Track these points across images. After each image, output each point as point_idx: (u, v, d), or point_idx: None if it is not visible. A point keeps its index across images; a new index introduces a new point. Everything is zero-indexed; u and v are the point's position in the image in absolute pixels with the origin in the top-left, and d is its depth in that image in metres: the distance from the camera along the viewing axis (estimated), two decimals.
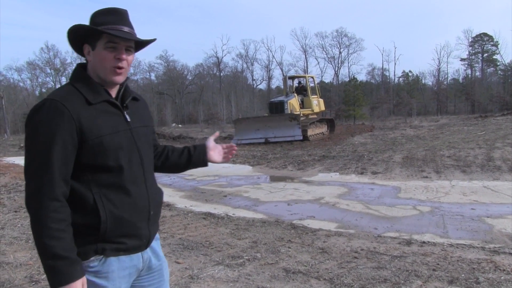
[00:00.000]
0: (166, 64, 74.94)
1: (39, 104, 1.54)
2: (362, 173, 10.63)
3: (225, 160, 2.11)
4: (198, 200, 8.25)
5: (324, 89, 53.88)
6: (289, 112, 20.92)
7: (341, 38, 70.44)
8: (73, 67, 1.74)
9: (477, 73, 70.35)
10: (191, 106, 74.26)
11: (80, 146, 1.55)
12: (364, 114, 51.64)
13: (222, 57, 73.72)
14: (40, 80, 71.18)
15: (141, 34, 1.72)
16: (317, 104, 24.50)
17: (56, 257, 1.44)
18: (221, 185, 9.92)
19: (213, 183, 10.16)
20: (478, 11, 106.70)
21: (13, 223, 6.25)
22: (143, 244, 1.71)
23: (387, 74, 73.74)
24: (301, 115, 20.91)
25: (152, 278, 1.82)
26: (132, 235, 1.65)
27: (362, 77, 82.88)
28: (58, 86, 66.39)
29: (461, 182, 8.89)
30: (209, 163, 2.09)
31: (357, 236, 5.25)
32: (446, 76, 72.63)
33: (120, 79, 1.66)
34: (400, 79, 74.95)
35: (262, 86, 77.97)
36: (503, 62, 67.81)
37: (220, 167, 11.69)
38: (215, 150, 2.08)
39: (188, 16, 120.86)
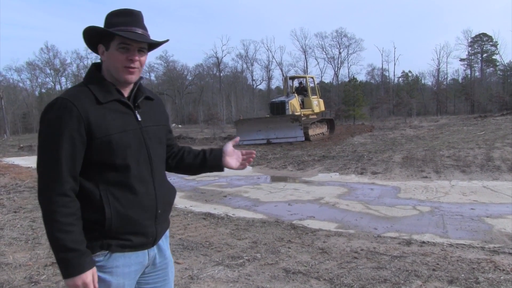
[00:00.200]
0: (166, 64, 75.00)
1: (51, 102, 1.60)
2: (362, 173, 10.63)
3: (242, 167, 2.05)
4: (198, 200, 8.25)
5: (323, 89, 53.89)
6: (290, 112, 20.96)
7: (341, 39, 70.49)
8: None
9: (477, 73, 70.38)
10: (191, 107, 74.28)
11: (89, 144, 1.59)
12: (364, 114, 51.64)
13: (222, 58, 73.80)
14: (39, 80, 71.22)
15: None
16: (317, 104, 24.55)
17: (66, 249, 1.51)
18: (221, 186, 9.93)
19: (213, 184, 10.16)
20: (477, 12, 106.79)
21: (13, 224, 6.24)
22: (149, 242, 1.74)
23: (387, 74, 73.87)
24: (302, 115, 20.95)
25: (156, 276, 1.84)
26: (137, 232, 1.68)
27: (361, 77, 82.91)
28: (57, 86, 66.51)
29: (460, 182, 8.89)
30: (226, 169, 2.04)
31: (357, 236, 5.25)
32: (445, 76, 72.77)
33: (132, 78, 1.69)
34: (400, 79, 75.03)
35: (262, 86, 78.06)
36: (503, 62, 67.89)
37: None
38: (232, 156, 2.03)
39: (188, 16, 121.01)
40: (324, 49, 72.12)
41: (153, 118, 1.80)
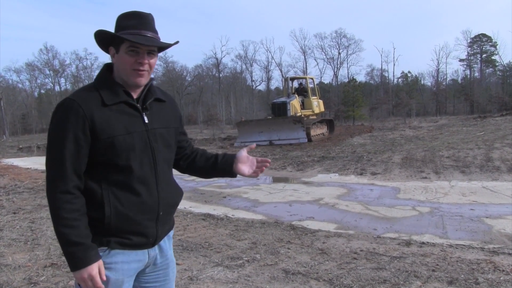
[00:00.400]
0: (165, 65, 74.89)
1: (59, 102, 1.66)
2: (361, 174, 10.63)
3: (254, 175, 2.00)
4: (197, 201, 8.25)
5: (323, 90, 53.85)
6: (291, 113, 21.12)
7: (340, 39, 70.38)
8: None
9: (476, 74, 70.38)
10: (190, 107, 74.24)
11: (93, 144, 1.63)
12: (363, 115, 51.65)
13: (221, 58, 73.62)
14: (39, 81, 71.10)
15: None
16: (317, 105, 24.72)
17: (72, 243, 1.57)
18: (220, 186, 9.93)
19: (212, 184, 10.16)
20: (477, 12, 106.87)
21: (12, 225, 6.23)
22: (149, 242, 1.76)
23: (386, 75, 73.79)
24: (303, 116, 21.04)
25: (156, 275, 1.86)
26: (137, 232, 1.71)
27: (361, 78, 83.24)
28: (57, 87, 66.62)
29: (460, 182, 8.90)
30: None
31: (356, 237, 5.25)
32: (445, 77, 72.75)
33: (142, 81, 1.72)
34: (399, 79, 74.99)
35: (261, 87, 77.90)
36: (502, 63, 67.87)
37: None
38: (246, 163, 2.00)
39: (187, 17, 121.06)
40: (324, 50, 72.08)
41: (161, 120, 1.81)
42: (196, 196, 8.73)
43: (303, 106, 23.24)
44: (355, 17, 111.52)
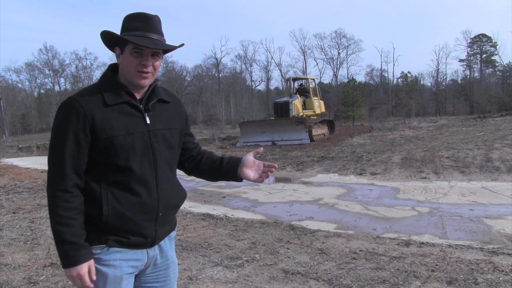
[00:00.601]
0: (164, 65, 74.83)
1: (62, 102, 1.69)
2: (361, 174, 10.64)
3: (260, 179, 1.95)
4: (197, 201, 8.25)
5: (323, 90, 53.72)
6: (293, 113, 21.27)
7: (340, 39, 70.39)
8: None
9: (476, 74, 70.42)
10: (190, 107, 74.16)
11: (93, 144, 1.64)
12: (363, 115, 51.69)
13: (221, 58, 73.62)
14: (38, 81, 71.05)
15: None
16: (318, 105, 24.95)
17: (65, 241, 1.59)
18: (220, 186, 9.92)
19: (212, 184, 10.15)
20: (476, 12, 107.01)
21: (12, 225, 6.23)
22: (147, 242, 1.76)
23: (386, 75, 73.84)
24: (305, 117, 21.15)
25: (157, 276, 1.86)
26: (135, 232, 1.71)
27: (361, 78, 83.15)
28: (56, 87, 66.66)
29: (459, 183, 8.90)
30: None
31: (356, 237, 5.26)
32: (444, 77, 72.81)
33: (145, 83, 1.72)
34: (399, 80, 75.06)
35: (261, 87, 77.89)
36: (502, 63, 67.91)
37: None
38: (252, 167, 1.96)
39: (187, 17, 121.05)
40: (323, 50, 72.10)
41: (164, 121, 1.81)
42: (195, 196, 8.73)
43: (304, 107, 23.37)
44: (354, 17, 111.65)
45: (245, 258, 4.47)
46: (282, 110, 21.58)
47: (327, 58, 71.74)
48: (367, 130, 26.64)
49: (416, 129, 24.67)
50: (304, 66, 71.25)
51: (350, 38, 70.38)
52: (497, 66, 69.19)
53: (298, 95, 23.14)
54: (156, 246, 1.82)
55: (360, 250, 4.65)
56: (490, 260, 4.17)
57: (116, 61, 1.78)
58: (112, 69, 1.77)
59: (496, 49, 67.15)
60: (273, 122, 20.99)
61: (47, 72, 68.25)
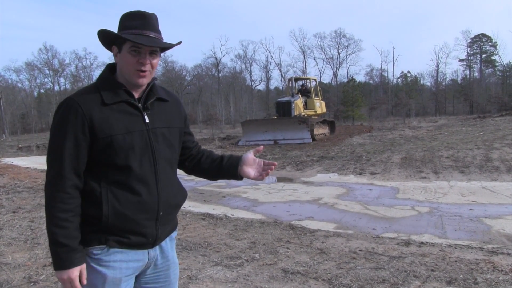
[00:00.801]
0: (164, 65, 74.84)
1: (61, 102, 1.68)
2: (360, 174, 10.64)
3: (261, 178, 1.95)
4: (196, 200, 8.25)
5: (322, 90, 53.89)
6: (295, 112, 21.49)
7: (340, 39, 70.46)
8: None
9: (476, 74, 70.45)
10: (189, 107, 74.13)
11: (92, 143, 1.63)
12: (362, 115, 51.67)
13: (221, 58, 73.58)
14: (38, 81, 71.07)
15: None
16: (319, 106, 25.18)
17: (57, 243, 1.58)
18: (219, 186, 9.93)
19: (211, 184, 10.15)
20: (476, 12, 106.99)
21: (12, 224, 6.24)
22: (148, 242, 1.75)
23: (386, 75, 73.90)
24: (306, 116, 21.33)
25: (157, 277, 1.84)
26: (136, 232, 1.69)
27: (360, 77, 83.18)
28: (56, 87, 66.61)
29: (459, 182, 8.91)
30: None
31: (355, 237, 5.26)
32: (444, 77, 72.89)
33: (143, 81, 1.71)
34: (399, 79, 75.13)
35: (261, 87, 77.96)
36: (502, 63, 67.98)
37: None
38: (252, 165, 1.95)
39: (187, 17, 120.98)
40: (323, 50, 72.19)
41: (164, 120, 1.80)
42: (195, 196, 8.73)
43: (306, 106, 23.57)
44: (354, 17, 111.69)
45: (245, 258, 4.47)
46: (284, 109, 21.77)
47: (327, 58, 71.87)
48: (367, 130, 26.66)
49: (415, 129, 24.68)
50: (304, 66, 71.36)
51: (350, 38, 70.54)
52: (497, 66, 69.28)
53: (300, 95, 23.30)
54: (157, 247, 1.80)
55: (360, 250, 4.66)
56: (489, 259, 4.17)
57: (113, 61, 1.77)
58: (110, 68, 1.76)
59: (496, 49, 67.25)
60: (275, 121, 21.11)
61: (47, 71, 68.34)
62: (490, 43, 67.61)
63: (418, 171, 10.23)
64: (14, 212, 7.13)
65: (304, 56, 72.24)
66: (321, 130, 22.65)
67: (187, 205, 7.58)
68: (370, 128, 28.39)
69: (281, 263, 4.28)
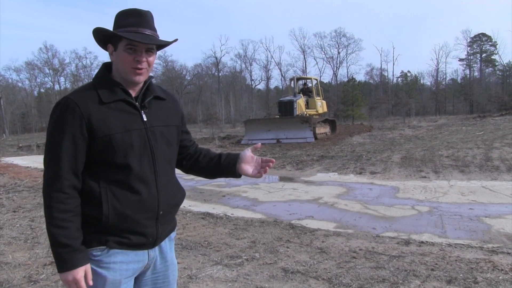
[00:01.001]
0: (164, 64, 74.81)
1: (57, 101, 1.65)
2: (360, 173, 10.64)
3: (259, 175, 1.93)
4: (196, 200, 8.25)
5: (323, 89, 53.87)
6: (297, 111, 21.67)
7: (340, 38, 70.46)
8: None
9: (476, 73, 70.45)
10: (189, 106, 74.20)
11: (90, 143, 1.61)
12: (362, 114, 51.60)
13: (221, 57, 73.49)
14: (38, 80, 71.00)
15: None
16: (321, 105, 25.42)
17: (59, 244, 1.55)
18: (219, 185, 9.93)
19: (211, 183, 10.16)
20: (476, 12, 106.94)
21: (12, 223, 6.24)
22: (149, 242, 1.73)
23: (386, 74, 73.88)
24: (308, 115, 21.54)
25: (155, 277, 1.83)
26: (136, 232, 1.67)
27: (360, 77, 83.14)
28: (56, 86, 66.54)
29: (459, 182, 8.91)
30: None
31: (355, 236, 5.26)
32: (444, 76, 72.86)
33: (140, 79, 1.70)
34: (399, 79, 75.08)
35: (261, 86, 77.99)
36: (502, 62, 67.92)
37: None
38: (250, 163, 1.95)
39: (187, 17, 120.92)
40: (323, 49, 72.20)
41: (161, 118, 1.79)
42: (195, 195, 8.74)
43: (307, 106, 23.78)
44: (354, 17, 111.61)
45: (245, 257, 4.47)
46: (286, 108, 21.97)
47: (327, 57, 71.88)
48: (367, 129, 26.69)
49: (415, 129, 24.69)
50: (304, 65, 71.36)
51: (350, 37, 70.54)
52: (497, 65, 69.24)
53: (302, 95, 23.49)
54: (157, 247, 1.78)
55: (360, 249, 4.66)
56: (489, 259, 4.17)
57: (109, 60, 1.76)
58: (106, 67, 1.75)
59: (496, 49, 67.22)
60: (278, 120, 21.28)
61: (47, 71, 68.30)
62: (490, 43, 67.59)
63: (418, 171, 10.23)
64: (14, 212, 7.13)
65: (304, 56, 72.29)
66: (323, 130, 22.77)
67: (187, 205, 7.58)
68: (370, 128, 28.41)
69: (281, 263, 4.28)
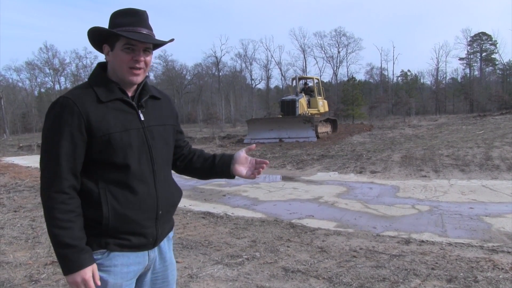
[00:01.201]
0: (165, 64, 74.96)
1: (54, 101, 1.62)
2: (361, 172, 10.64)
3: (253, 176, 1.94)
4: (197, 199, 8.26)
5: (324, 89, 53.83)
6: (300, 111, 21.84)
7: (340, 38, 70.45)
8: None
9: (476, 73, 70.41)
10: (190, 106, 74.22)
11: (89, 142, 1.59)
12: (362, 114, 51.55)
13: (221, 57, 73.60)
14: (39, 80, 71.16)
15: None
16: (322, 104, 25.66)
17: (64, 245, 1.51)
18: (220, 184, 9.93)
19: (212, 183, 10.16)
20: (476, 11, 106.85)
21: (13, 223, 6.25)
22: (149, 243, 1.72)
23: (386, 73, 73.76)
24: (310, 115, 21.73)
25: (155, 278, 1.82)
26: (136, 233, 1.66)
27: (360, 76, 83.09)
28: (57, 86, 66.55)
29: (459, 181, 8.91)
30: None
31: (356, 235, 5.27)
32: (444, 76, 72.81)
33: (137, 79, 1.69)
34: (399, 78, 75.00)
35: (261, 85, 78.00)
36: (502, 61, 67.84)
37: None
38: (244, 164, 1.94)
39: (187, 16, 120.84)
40: (323, 48, 72.22)
41: (158, 117, 1.78)
42: (195, 194, 8.74)
43: (309, 105, 23.93)
44: (354, 16, 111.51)
45: (246, 256, 4.48)
46: (288, 107, 22.13)
47: (327, 57, 71.89)
48: (367, 129, 26.68)
49: (416, 128, 24.68)
50: (304, 65, 71.38)
51: (350, 37, 70.53)
52: (497, 64, 69.18)
53: (304, 94, 23.53)
54: (156, 248, 1.77)
55: (360, 248, 4.67)
56: (490, 258, 4.18)
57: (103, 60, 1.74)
58: (101, 67, 1.73)
59: (496, 48, 67.17)
60: (280, 119, 21.40)
61: (48, 71, 68.42)
62: (490, 42, 67.54)
63: (419, 170, 10.23)
64: (15, 211, 7.14)
65: (304, 55, 72.31)
66: (324, 129, 22.88)
67: (188, 204, 7.59)
68: (370, 127, 28.39)
69: (281, 262, 4.29)
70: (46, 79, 70.44)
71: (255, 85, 76.81)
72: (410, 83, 69.73)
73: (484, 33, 67.82)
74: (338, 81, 69.83)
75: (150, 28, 1.69)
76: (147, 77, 1.78)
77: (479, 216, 6.02)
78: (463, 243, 4.75)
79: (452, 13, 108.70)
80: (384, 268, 4.00)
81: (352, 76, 62.01)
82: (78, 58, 69.03)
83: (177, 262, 4.26)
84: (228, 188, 9.49)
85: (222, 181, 10.37)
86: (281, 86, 72.22)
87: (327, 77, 73.45)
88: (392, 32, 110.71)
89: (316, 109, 24.35)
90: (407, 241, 4.89)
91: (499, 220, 5.78)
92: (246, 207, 7.45)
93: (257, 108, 61.81)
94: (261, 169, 1.93)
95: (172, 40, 1.78)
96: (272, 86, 78.07)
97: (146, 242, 1.71)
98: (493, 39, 67.13)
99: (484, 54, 68.82)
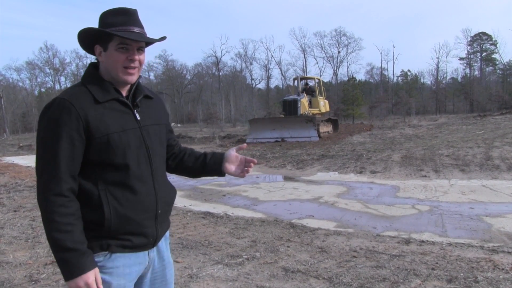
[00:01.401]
0: (165, 63, 75.02)
1: (49, 102, 1.58)
2: (361, 172, 10.64)
3: (242, 174, 1.95)
4: (197, 199, 8.25)
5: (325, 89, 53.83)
6: (301, 110, 22.00)
7: (340, 38, 70.51)
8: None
9: (476, 72, 70.44)
10: (190, 106, 74.27)
11: (88, 143, 1.57)
12: (363, 114, 51.56)
13: (221, 57, 73.68)
14: (39, 79, 71.22)
15: None
16: (323, 104, 25.78)
17: (66, 249, 1.48)
18: (220, 184, 9.93)
19: (212, 182, 10.16)
20: (477, 10, 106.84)
21: (13, 223, 6.25)
22: (149, 242, 1.72)
23: (386, 73, 73.79)
24: (312, 115, 21.93)
25: (154, 278, 1.82)
26: (137, 233, 1.66)
27: (361, 76, 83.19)
28: (57, 85, 66.53)
29: (460, 181, 8.91)
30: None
31: (356, 235, 5.26)
32: (444, 75, 72.89)
33: (132, 78, 1.68)
34: (399, 78, 75.07)
35: (261, 85, 78.03)
36: (502, 61, 67.92)
37: None
38: (234, 162, 1.96)
39: (187, 16, 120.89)
40: (323, 48, 72.29)
41: (153, 117, 1.78)
42: (195, 194, 8.74)
43: (310, 105, 24.05)
44: (355, 16, 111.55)
45: (246, 256, 4.47)
46: (290, 107, 22.27)
47: (327, 57, 71.94)
48: (367, 129, 26.72)
49: (416, 128, 24.69)
50: (304, 65, 71.42)
51: (350, 37, 70.59)
52: (497, 64, 69.25)
53: (305, 94, 23.65)
54: (155, 247, 1.78)
55: (360, 248, 4.66)
56: (490, 258, 4.17)
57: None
58: (94, 67, 1.71)
59: (496, 48, 67.23)
60: (282, 119, 21.52)
61: (48, 70, 68.55)
62: (491, 42, 67.59)
63: (419, 170, 10.23)
64: (15, 211, 7.14)
65: (304, 55, 72.35)
66: (325, 129, 23.02)
67: (188, 204, 7.59)
68: (370, 127, 28.43)
69: (281, 262, 4.28)
70: (47, 78, 70.60)
71: (255, 85, 76.92)
72: (410, 83, 69.74)
73: (484, 33, 67.88)
74: (338, 81, 69.89)
75: (142, 27, 1.68)
76: (140, 77, 1.77)
77: (479, 216, 6.01)
78: (463, 243, 4.75)
79: (452, 13, 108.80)
80: (384, 268, 3.99)
81: (352, 76, 62.07)
82: (79, 58, 69.13)
83: (177, 262, 4.28)
84: (228, 188, 9.49)
85: (222, 181, 10.37)
86: (281, 86, 72.36)
87: (327, 77, 73.53)
88: (392, 32, 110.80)
89: (318, 109, 24.49)
90: (407, 241, 4.89)
91: (499, 220, 5.78)
92: (246, 207, 7.45)
93: (257, 108, 61.79)
94: (249, 168, 1.95)
95: (164, 38, 1.76)
96: (272, 86, 78.24)
97: (147, 242, 1.70)
98: (493, 39, 67.27)
99: (484, 54, 68.86)
